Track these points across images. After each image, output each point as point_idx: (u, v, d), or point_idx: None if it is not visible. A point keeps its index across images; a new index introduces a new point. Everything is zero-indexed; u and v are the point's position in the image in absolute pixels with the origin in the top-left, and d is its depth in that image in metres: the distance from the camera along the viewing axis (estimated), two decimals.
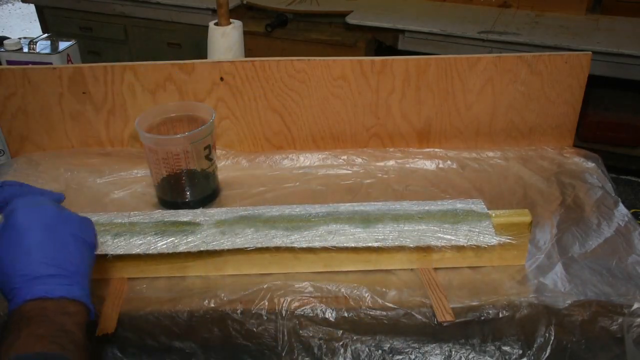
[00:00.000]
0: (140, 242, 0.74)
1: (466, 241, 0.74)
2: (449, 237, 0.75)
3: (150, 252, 0.73)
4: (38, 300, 0.56)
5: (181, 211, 0.79)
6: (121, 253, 0.73)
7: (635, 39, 1.92)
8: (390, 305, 0.72)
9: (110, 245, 0.73)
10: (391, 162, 1.03)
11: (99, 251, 0.73)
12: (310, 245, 0.74)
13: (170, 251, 0.73)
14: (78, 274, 0.59)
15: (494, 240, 0.74)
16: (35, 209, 0.61)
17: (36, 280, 0.56)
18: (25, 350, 0.52)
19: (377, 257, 0.77)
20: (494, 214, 0.77)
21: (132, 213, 0.79)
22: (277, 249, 0.75)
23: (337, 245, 0.74)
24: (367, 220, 0.76)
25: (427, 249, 0.76)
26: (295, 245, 0.74)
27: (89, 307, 0.59)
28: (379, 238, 0.75)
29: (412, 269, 0.78)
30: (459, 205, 0.79)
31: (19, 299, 0.56)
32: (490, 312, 0.71)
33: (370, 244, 0.74)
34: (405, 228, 0.75)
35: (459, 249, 0.76)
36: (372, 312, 0.72)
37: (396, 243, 0.74)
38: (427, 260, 0.77)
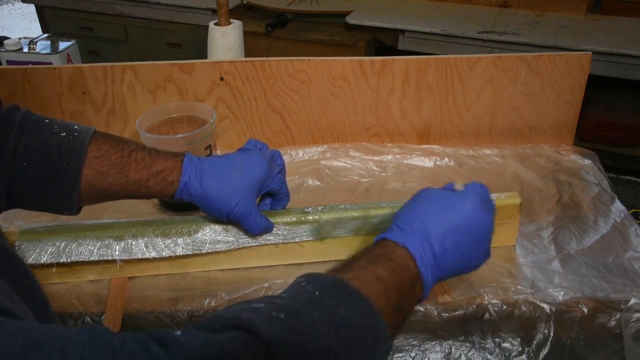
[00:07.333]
0: (142, 244, 0.74)
1: None
2: None
3: (153, 256, 0.74)
4: None
5: (182, 214, 0.80)
6: (125, 258, 0.73)
7: (635, 39, 1.92)
8: None
9: (112, 248, 0.74)
10: (389, 157, 1.03)
11: (100, 257, 0.73)
12: (311, 239, 0.75)
13: (172, 254, 0.74)
14: None
15: None
16: None
17: None
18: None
19: None
20: None
21: (132, 219, 0.79)
22: (278, 246, 0.76)
23: (336, 235, 0.76)
24: (364, 208, 0.77)
25: None
26: (297, 240, 0.75)
27: None
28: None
29: None
30: None
31: None
32: (489, 308, 0.72)
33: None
34: None
35: None
36: None
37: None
38: None
